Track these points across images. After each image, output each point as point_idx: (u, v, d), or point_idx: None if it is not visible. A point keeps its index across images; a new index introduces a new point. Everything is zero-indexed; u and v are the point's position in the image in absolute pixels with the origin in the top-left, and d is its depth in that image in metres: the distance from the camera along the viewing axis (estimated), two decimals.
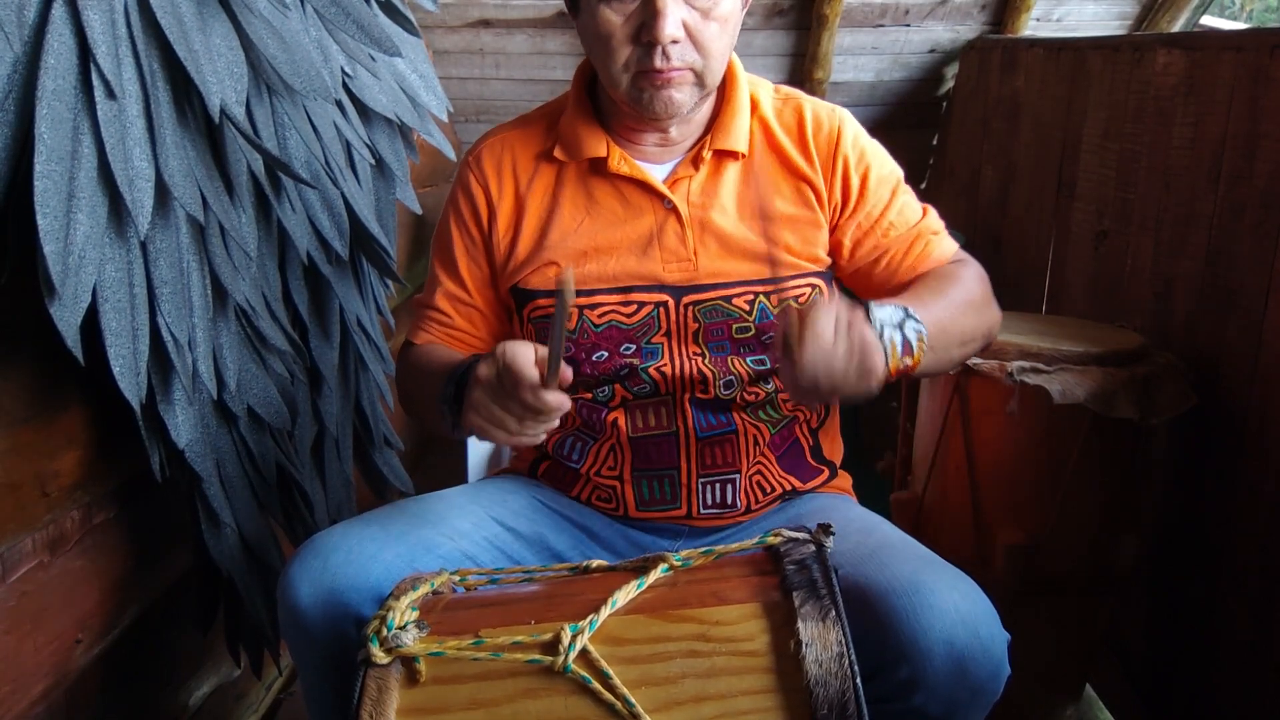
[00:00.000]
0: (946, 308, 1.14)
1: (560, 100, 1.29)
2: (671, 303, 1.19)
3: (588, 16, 1.13)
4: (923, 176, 3.17)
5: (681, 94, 1.14)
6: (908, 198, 1.27)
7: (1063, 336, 1.62)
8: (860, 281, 1.28)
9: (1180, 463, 1.64)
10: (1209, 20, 2.79)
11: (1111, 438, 1.54)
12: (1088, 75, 2.05)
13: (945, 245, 1.27)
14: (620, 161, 1.20)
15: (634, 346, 1.20)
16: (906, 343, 1.04)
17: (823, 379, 0.96)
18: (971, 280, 1.23)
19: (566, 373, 0.98)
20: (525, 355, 0.98)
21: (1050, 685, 1.68)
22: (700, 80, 1.14)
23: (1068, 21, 2.80)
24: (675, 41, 1.10)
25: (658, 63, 1.10)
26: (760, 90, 1.26)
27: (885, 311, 1.04)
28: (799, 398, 1.12)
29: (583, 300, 1.20)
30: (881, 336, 1.01)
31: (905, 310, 1.05)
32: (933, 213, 1.29)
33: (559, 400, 0.98)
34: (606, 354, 1.20)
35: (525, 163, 1.25)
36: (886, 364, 1.01)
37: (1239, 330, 1.48)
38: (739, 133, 1.21)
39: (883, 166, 1.25)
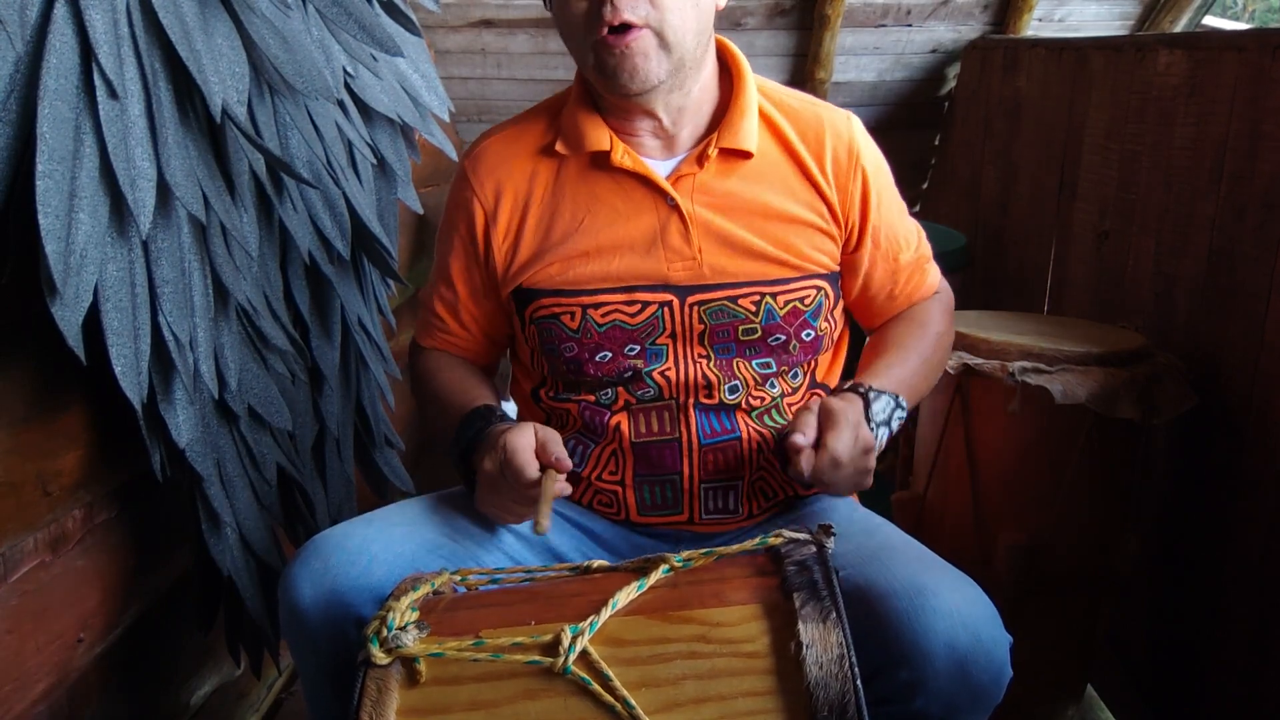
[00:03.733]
0: (924, 377, 1.28)
1: (560, 96, 1.27)
2: (676, 303, 1.18)
3: (555, 2, 1.14)
4: (925, 176, 3.17)
5: (647, 62, 1.10)
6: (906, 215, 1.31)
7: (1064, 337, 1.62)
8: (863, 303, 1.32)
9: (1181, 463, 1.64)
10: (1211, 20, 2.79)
11: (1113, 438, 1.53)
12: (1090, 75, 2.04)
13: (935, 274, 1.36)
14: (624, 155, 1.18)
15: (638, 348, 1.19)
16: (891, 434, 1.17)
17: (823, 486, 1.10)
18: (943, 323, 1.33)
19: (565, 464, 1.07)
20: (523, 446, 1.06)
21: (1051, 686, 1.67)
22: (663, 41, 1.10)
23: (1070, 21, 2.80)
24: None
25: (606, 14, 1.07)
26: (771, 91, 1.24)
27: (880, 405, 1.15)
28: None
29: (586, 300, 1.19)
30: (877, 436, 1.12)
31: (895, 400, 1.17)
32: (924, 234, 1.34)
33: (560, 488, 1.07)
34: (610, 354, 1.19)
35: (524, 161, 1.23)
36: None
37: (1240, 330, 1.48)
38: (747, 132, 1.19)
39: (890, 182, 1.28)
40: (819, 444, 1.07)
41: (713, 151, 1.19)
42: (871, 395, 1.15)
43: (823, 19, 2.64)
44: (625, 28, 1.08)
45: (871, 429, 1.12)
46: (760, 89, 1.23)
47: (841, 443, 1.06)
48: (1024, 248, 2.38)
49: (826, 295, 1.22)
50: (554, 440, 1.08)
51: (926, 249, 1.33)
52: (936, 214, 3.04)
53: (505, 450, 1.06)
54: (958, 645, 0.93)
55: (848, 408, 1.10)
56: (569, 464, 1.07)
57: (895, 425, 1.17)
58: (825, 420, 1.08)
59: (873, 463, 1.10)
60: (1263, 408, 1.43)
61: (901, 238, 1.28)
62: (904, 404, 1.18)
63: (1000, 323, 1.74)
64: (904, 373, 1.23)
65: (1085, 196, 2.04)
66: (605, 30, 1.08)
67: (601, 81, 1.14)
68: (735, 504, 1.22)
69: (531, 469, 1.05)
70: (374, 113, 1.52)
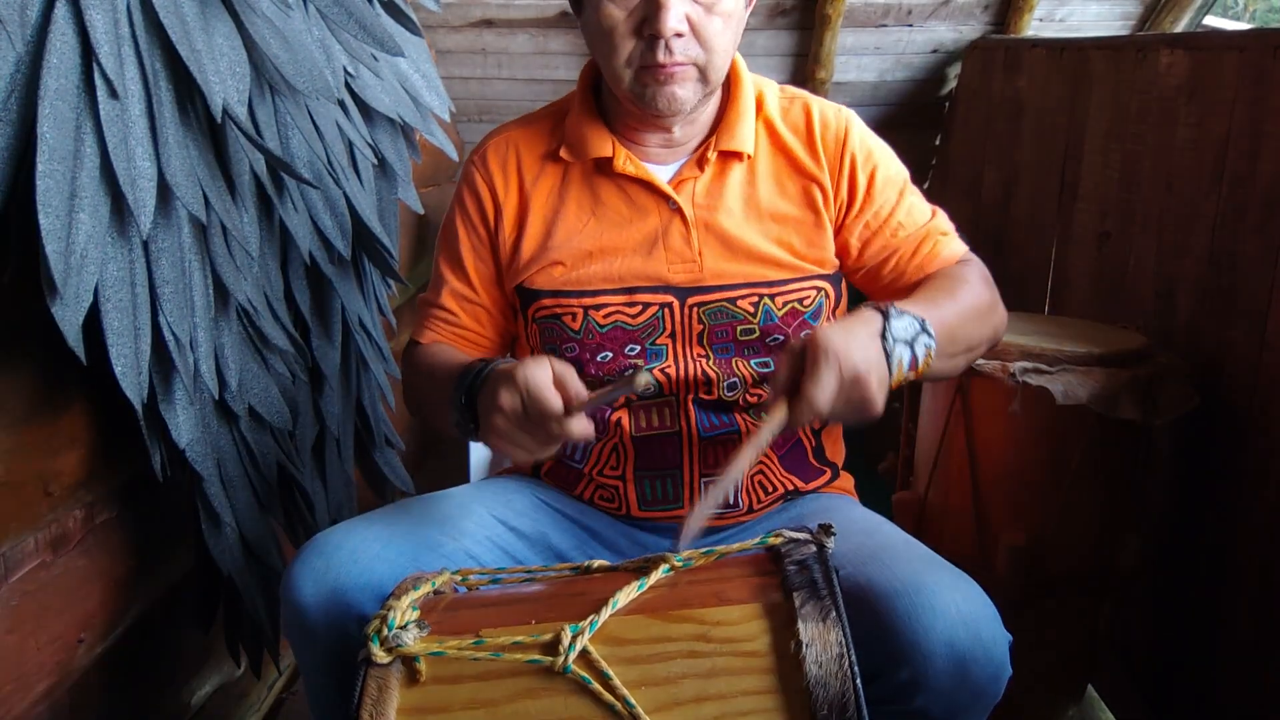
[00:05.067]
0: (957, 315, 1.15)
1: (565, 100, 1.29)
2: (676, 304, 1.19)
3: (591, 12, 1.14)
4: (925, 177, 3.17)
5: (684, 90, 1.14)
6: (916, 198, 1.27)
7: (1065, 337, 1.61)
8: (869, 282, 1.28)
9: (1182, 464, 1.63)
10: (1212, 20, 2.79)
11: (1114, 438, 1.53)
12: (1090, 76, 2.04)
13: (954, 246, 1.26)
14: (626, 162, 1.20)
15: (639, 348, 1.20)
16: (914, 358, 1.05)
17: (816, 422, 1.02)
18: (979, 284, 1.23)
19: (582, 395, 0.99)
20: (545, 382, 0.97)
21: (1052, 686, 1.67)
22: (703, 76, 1.14)
23: (1070, 21, 2.80)
24: (679, 35, 1.10)
25: (660, 57, 1.11)
26: (766, 90, 1.25)
27: (902, 323, 1.04)
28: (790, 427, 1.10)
29: (588, 300, 1.20)
30: (891, 353, 1.02)
31: (921, 323, 1.06)
32: (942, 214, 1.29)
33: (584, 429, 0.99)
34: (611, 355, 1.20)
35: (531, 162, 1.25)
36: (889, 390, 1.02)
37: (1242, 331, 1.48)
38: (744, 134, 1.21)
39: (890, 166, 1.25)
40: (797, 391, 0.97)
41: (712, 154, 1.20)
42: (893, 313, 1.04)
43: (823, 19, 2.63)
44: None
45: (888, 345, 1.02)
46: (756, 88, 1.24)
47: (821, 389, 0.95)
48: (1025, 248, 2.38)
49: (827, 296, 1.22)
50: (570, 374, 1.01)
51: (940, 224, 1.27)
52: None
53: (528, 386, 0.97)
54: (958, 644, 0.93)
55: (835, 334, 0.98)
56: (584, 395, 1.00)
57: (921, 351, 1.05)
58: (807, 361, 0.97)
59: (873, 390, 0.98)
60: (1264, 408, 1.43)
61: (902, 214, 1.24)
62: (931, 330, 1.07)
63: None
64: (930, 307, 1.11)
65: (1086, 197, 2.04)
66: (651, 62, 1.11)
67: (635, 105, 1.16)
68: (735, 497, 1.23)
69: (557, 404, 0.97)
70: (375, 113, 1.53)
